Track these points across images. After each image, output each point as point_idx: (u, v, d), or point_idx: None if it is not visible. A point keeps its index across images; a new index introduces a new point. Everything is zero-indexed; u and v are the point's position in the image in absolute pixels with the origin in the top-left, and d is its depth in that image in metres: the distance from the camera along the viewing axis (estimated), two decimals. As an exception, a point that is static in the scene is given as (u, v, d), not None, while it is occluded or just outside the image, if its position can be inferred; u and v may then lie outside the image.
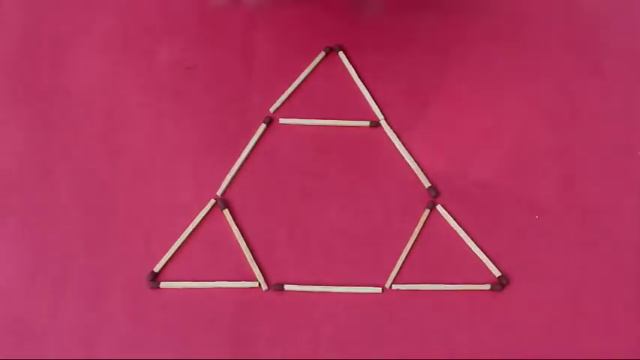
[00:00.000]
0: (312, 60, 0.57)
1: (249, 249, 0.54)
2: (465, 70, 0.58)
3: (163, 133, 0.57)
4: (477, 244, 0.54)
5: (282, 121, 0.56)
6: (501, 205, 0.54)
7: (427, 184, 0.55)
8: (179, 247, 0.54)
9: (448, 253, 0.54)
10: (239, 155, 0.56)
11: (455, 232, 0.54)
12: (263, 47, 0.58)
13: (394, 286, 0.53)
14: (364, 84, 0.57)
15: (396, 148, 0.56)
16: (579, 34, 0.58)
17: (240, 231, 0.54)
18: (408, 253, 0.54)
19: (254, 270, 0.54)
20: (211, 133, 0.57)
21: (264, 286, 0.53)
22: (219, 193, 0.55)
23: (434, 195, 0.55)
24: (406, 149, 0.56)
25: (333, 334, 0.52)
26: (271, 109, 0.57)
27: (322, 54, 0.57)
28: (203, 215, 0.55)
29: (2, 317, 0.53)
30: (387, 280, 0.53)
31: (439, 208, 0.54)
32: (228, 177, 0.55)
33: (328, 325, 0.53)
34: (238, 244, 0.54)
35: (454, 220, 0.54)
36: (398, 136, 0.56)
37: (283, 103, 0.57)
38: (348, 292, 0.53)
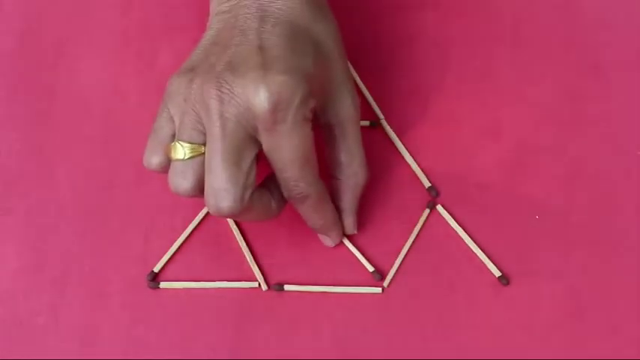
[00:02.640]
0: (312, 60, 0.57)
1: (249, 249, 0.54)
2: (465, 69, 0.58)
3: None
4: (477, 244, 0.53)
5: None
6: (501, 205, 0.54)
7: (427, 184, 0.55)
8: (179, 247, 0.54)
9: (448, 253, 0.54)
10: (239, 155, 0.56)
11: (455, 231, 0.54)
12: (263, 47, 0.58)
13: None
14: (364, 84, 0.57)
15: (396, 148, 0.56)
16: (579, 34, 0.58)
17: (240, 231, 0.54)
18: (407, 252, 0.54)
19: (254, 270, 0.54)
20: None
21: (264, 286, 0.53)
22: (219, 193, 0.55)
23: (434, 195, 0.55)
24: (406, 149, 0.56)
25: (333, 334, 0.52)
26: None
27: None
28: (203, 215, 0.55)
29: (2, 317, 0.53)
30: (386, 280, 0.53)
31: (439, 208, 0.54)
32: (228, 177, 0.55)
33: (328, 325, 0.53)
34: (238, 244, 0.54)
35: (454, 220, 0.54)
36: (398, 136, 0.56)
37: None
38: (348, 292, 0.53)
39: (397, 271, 0.53)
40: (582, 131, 0.56)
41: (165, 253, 0.54)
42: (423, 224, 0.54)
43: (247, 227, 0.55)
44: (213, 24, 0.49)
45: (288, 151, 0.46)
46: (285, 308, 0.53)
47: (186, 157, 0.46)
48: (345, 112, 0.50)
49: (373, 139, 0.56)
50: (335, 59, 0.49)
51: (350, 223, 0.53)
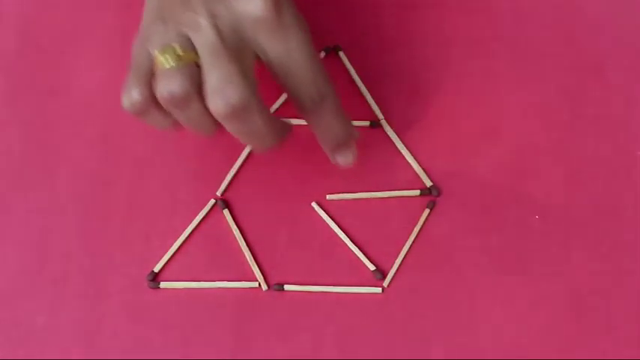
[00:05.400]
0: (312, 60, 0.57)
1: (249, 249, 0.54)
2: (465, 69, 0.58)
3: (163, 133, 0.56)
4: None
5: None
6: (501, 205, 0.54)
7: (428, 183, 0.55)
8: (179, 247, 0.54)
9: (448, 253, 0.54)
10: (239, 155, 0.56)
11: (455, 231, 0.54)
12: (263, 47, 0.58)
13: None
14: (364, 84, 0.57)
15: (397, 148, 0.56)
16: (579, 34, 0.58)
17: (240, 231, 0.54)
18: (407, 252, 0.54)
19: (254, 270, 0.54)
20: (211, 133, 0.56)
21: (264, 286, 0.53)
22: (219, 193, 0.55)
23: (434, 195, 0.55)
24: (406, 149, 0.56)
25: (333, 334, 0.53)
26: (271, 109, 0.57)
27: (322, 54, 0.57)
28: (203, 215, 0.55)
29: (2, 317, 0.53)
30: (386, 279, 0.53)
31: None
32: (228, 177, 0.55)
33: (328, 325, 0.53)
34: (238, 244, 0.54)
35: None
36: (398, 136, 0.56)
37: (283, 103, 0.57)
38: (348, 292, 0.53)
39: (397, 270, 0.53)
40: (582, 131, 0.56)
41: (165, 253, 0.54)
42: (423, 224, 0.54)
43: (247, 227, 0.55)
44: None
45: (300, 48, 0.45)
46: (285, 308, 0.53)
47: (177, 63, 0.43)
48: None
49: (373, 139, 0.56)
50: None
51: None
